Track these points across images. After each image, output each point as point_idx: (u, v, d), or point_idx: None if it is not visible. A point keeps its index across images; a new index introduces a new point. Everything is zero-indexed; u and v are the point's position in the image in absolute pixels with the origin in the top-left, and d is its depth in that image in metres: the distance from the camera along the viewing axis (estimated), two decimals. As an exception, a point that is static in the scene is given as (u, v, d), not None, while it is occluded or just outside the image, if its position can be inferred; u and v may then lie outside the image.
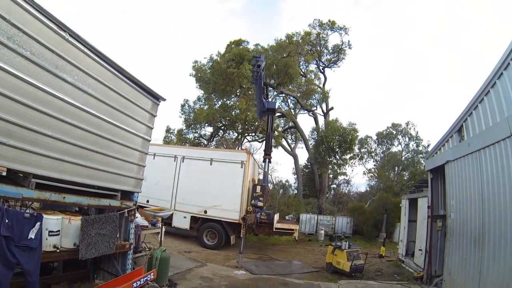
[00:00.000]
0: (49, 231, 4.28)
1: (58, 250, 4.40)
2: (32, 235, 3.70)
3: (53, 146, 4.28)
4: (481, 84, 6.59)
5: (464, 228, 6.91)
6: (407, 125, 37.75)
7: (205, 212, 13.22)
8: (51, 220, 4.33)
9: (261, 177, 15.31)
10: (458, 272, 6.94)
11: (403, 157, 36.56)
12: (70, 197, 4.61)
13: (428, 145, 33.55)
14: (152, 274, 5.91)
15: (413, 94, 66.77)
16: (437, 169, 9.06)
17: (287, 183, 39.09)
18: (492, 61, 5.90)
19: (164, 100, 6.50)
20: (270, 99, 20.70)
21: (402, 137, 37.87)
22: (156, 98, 6.35)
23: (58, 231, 4.44)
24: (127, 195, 5.93)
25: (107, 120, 5.20)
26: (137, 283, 5.36)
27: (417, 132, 37.38)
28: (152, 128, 6.35)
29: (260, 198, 13.21)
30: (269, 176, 25.05)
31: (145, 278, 5.64)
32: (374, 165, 37.99)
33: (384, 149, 38.38)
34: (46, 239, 4.22)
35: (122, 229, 5.88)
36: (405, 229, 12.58)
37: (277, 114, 24.22)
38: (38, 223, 3.82)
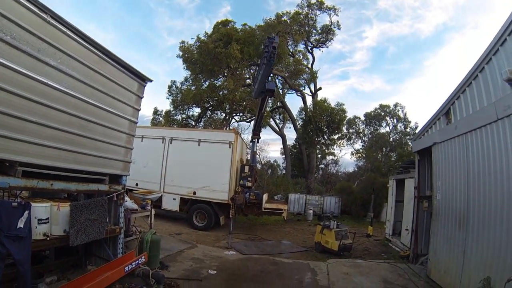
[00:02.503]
0: (38, 219, 4.21)
1: (48, 238, 4.36)
2: (21, 224, 3.64)
3: (38, 132, 4.17)
4: (470, 67, 6.60)
5: (450, 209, 7.06)
6: (395, 107, 38.27)
7: (194, 193, 13.27)
8: (40, 208, 4.26)
9: (249, 157, 15.32)
10: (443, 251, 7.12)
11: (391, 138, 37.07)
12: (58, 183, 4.53)
13: (416, 127, 34.24)
14: (143, 257, 5.95)
15: (403, 77, 67.14)
16: (424, 150, 9.15)
17: (275, 163, 39.43)
18: (483, 44, 5.87)
19: (151, 81, 6.36)
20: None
21: (390, 118, 38.30)
22: (142, 79, 6.20)
23: (47, 218, 4.38)
24: (116, 178, 5.86)
25: (92, 103, 5.06)
26: (128, 267, 5.41)
27: (405, 114, 37.99)
28: (138, 110, 6.23)
29: (249, 178, 13.32)
30: (257, 156, 25.21)
31: (136, 261, 5.68)
32: (362, 145, 38.50)
33: (372, 130, 38.79)
34: (36, 227, 4.17)
35: (111, 213, 5.85)
36: (392, 209, 12.82)
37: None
38: (27, 212, 3.75)
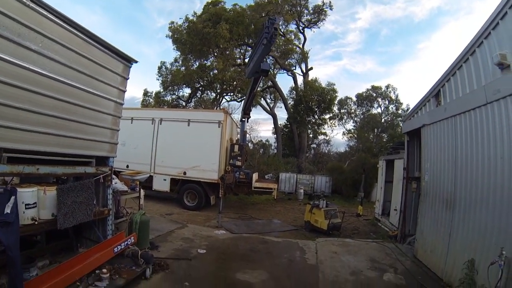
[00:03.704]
0: (26, 204, 4.19)
1: (36, 222, 4.34)
2: (7, 209, 3.61)
3: (22, 118, 4.09)
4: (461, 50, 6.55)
5: (437, 191, 7.15)
6: (387, 88, 38.31)
7: (184, 173, 13.29)
8: (26, 193, 4.22)
9: (239, 136, 15.31)
10: (430, 232, 7.25)
11: (383, 120, 37.26)
12: (44, 168, 4.49)
13: (408, 109, 34.35)
14: (132, 238, 5.98)
15: (395, 59, 66.88)
16: (414, 132, 9.19)
17: (267, 143, 39.51)
18: (476, 30, 5.78)
19: (136, 62, 6.22)
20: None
21: (382, 99, 38.41)
22: (127, 60, 6.06)
23: (35, 203, 4.35)
24: (103, 160, 5.80)
25: (76, 86, 4.95)
26: (117, 248, 5.44)
27: (397, 96, 38.23)
28: (124, 91, 6.12)
29: (239, 158, 13.38)
30: (248, 135, 25.19)
31: (125, 242, 5.71)
32: (354, 126, 38.68)
33: (364, 110, 38.91)
34: (24, 212, 4.15)
35: (100, 195, 5.83)
36: (382, 190, 12.97)
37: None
38: (13, 197, 3.71)
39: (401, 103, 37.65)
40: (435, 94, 7.90)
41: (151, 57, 68.80)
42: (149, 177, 13.04)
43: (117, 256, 5.48)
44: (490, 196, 5.05)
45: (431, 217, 7.33)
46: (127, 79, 6.18)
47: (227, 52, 24.88)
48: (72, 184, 4.94)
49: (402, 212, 9.57)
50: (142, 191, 8.16)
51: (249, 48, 26.17)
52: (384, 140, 33.37)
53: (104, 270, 4.75)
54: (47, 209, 4.54)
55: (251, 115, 15.33)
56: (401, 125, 31.63)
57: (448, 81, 7.13)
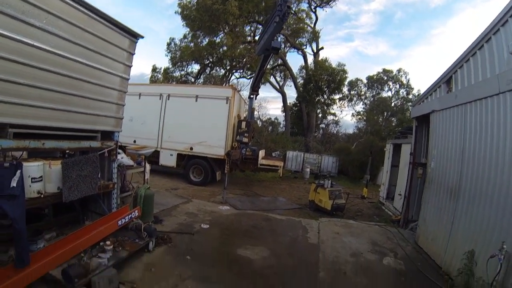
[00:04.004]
0: (32, 178, 4.26)
1: (42, 196, 4.42)
2: (13, 183, 3.69)
3: (28, 94, 4.11)
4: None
5: (442, 179, 7.05)
6: (398, 72, 37.55)
7: (191, 149, 13.38)
8: (32, 167, 4.29)
9: (247, 113, 15.27)
10: (432, 220, 7.23)
11: (393, 104, 36.74)
12: (49, 142, 4.54)
13: (418, 94, 33.73)
14: (137, 211, 6.10)
15: (408, 43, 65.09)
16: (423, 117, 9.01)
17: (276, 120, 39.43)
18: (490, 14, 5.54)
19: (142, 37, 6.13)
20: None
21: (393, 83, 37.72)
22: (133, 36, 5.97)
23: (41, 177, 4.42)
24: (108, 135, 5.84)
25: (81, 61, 4.91)
26: (121, 221, 5.56)
27: (408, 80, 37.45)
28: (130, 67, 6.06)
29: (246, 134, 13.38)
30: (256, 112, 25.08)
31: (130, 216, 5.83)
32: (363, 108, 38.23)
33: (374, 93, 38.34)
34: (30, 186, 4.22)
35: (105, 169, 5.89)
36: (388, 173, 12.89)
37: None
38: (18, 171, 3.77)
39: (412, 88, 36.99)
40: (447, 80, 7.68)
41: (160, 34, 68.15)
42: (156, 152, 13.24)
43: (121, 229, 5.62)
44: (496, 191, 4.94)
45: (434, 205, 7.27)
46: (133, 54, 6.12)
47: (237, 29, 24.44)
48: (77, 158, 5.01)
49: (406, 197, 9.53)
50: (148, 165, 8.24)
51: (259, 26, 25.75)
52: (393, 124, 32.99)
53: (108, 242, 4.87)
54: (53, 182, 4.61)
55: (260, 92, 15.20)
56: (410, 110, 31.26)
57: (461, 68, 6.89)
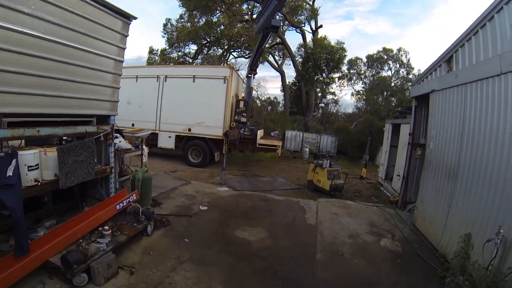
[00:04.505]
0: (28, 166, 4.20)
1: (39, 183, 4.38)
2: (10, 172, 3.65)
3: (19, 82, 4.00)
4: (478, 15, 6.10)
5: (441, 160, 7.00)
6: (399, 51, 37.06)
7: (189, 130, 13.36)
8: (28, 156, 4.23)
9: (245, 93, 15.13)
10: (430, 202, 7.21)
11: (393, 83, 36.37)
12: (44, 129, 4.46)
13: (418, 74, 33.21)
14: (134, 195, 6.11)
15: (409, 22, 63.76)
16: (422, 97, 8.87)
17: (275, 100, 39.15)
18: None
19: (135, 18, 5.93)
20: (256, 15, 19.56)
21: (393, 63, 37.24)
22: (126, 17, 5.77)
23: (37, 165, 4.37)
24: (104, 119, 5.75)
25: (73, 46, 4.76)
26: (119, 205, 5.57)
27: (408, 60, 37.04)
28: (124, 49, 5.89)
29: (244, 114, 13.37)
30: (255, 92, 24.83)
31: (128, 199, 5.84)
32: (363, 87, 37.90)
33: (374, 72, 37.91)
34: (26, 174, 4.17)
35: (102, 154, 5.85)
36: (386, 154, 12.81)
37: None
38: (14, 160, 3.73)
39: (412, 68, 36.73)
40: (447, 59, 7.50)
41: (156, 16, 66.55)
42: (154, 135, 13.22)
43: (120, 213, 5.64)
44: (494, 173, 4.89)
45: (432, 187, 7.23)
46: (127, 36, 5.94)
47: (234, 7, 23.94)
48: (72, 143, 4.95)
49: (404, 178, 9.48)
50: (145, 148, 8.21)
51: (257, 4, 25.18)
52: (393, 104, 32.80)
53: (106, 227, 4.89)
54: (50, 169, 4.57)
55: (258, 72, 15.04)
56: (410, 89, 30.88)
57: (462, 47, 6.71)
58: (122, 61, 5.91)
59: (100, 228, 4.97)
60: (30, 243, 3.88)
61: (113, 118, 5.94)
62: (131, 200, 5.92)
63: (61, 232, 4.37)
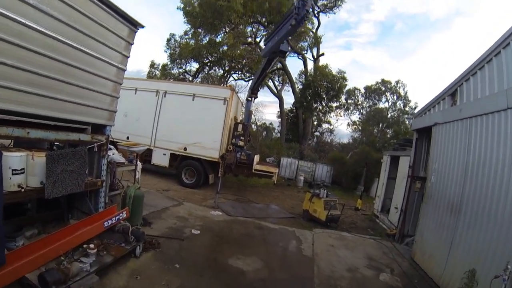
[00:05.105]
0: (12, 170, 3.86)
1: (23, 190, 4.03)
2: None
3: (13, 76, 3.74)
4: (480, 53, 6.15)
5: (443, 194, 6.86)
6: (396, 84, 37.59)
7: (185, 149, 13.04)
8: (14, 158, 3.89)
9: (244, 116, 14.96)
10: (430, 235, 7.02)
11: (389, 115, 36.75)
12: (35, 132, 4.16)
13: (416, 107, 34.09)
14: (125, 212, 5.74)
15: (407, 55, 65.67)
16: (424, 129, 8.86)
17: (271, 126, 39.21)
18: (498, 28, 5.51)
19: (143, 27, 5.79)
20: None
21: (390, 94, 37.77)
22: (133, 24, 5.63)
23: (23, 169, 4.03)
24: (99, 128, 5.48)
25: (76, 46, 4.57)
26: (108, 223, 5.20)
27: (406, 92, 37.40)
28: (128, 57, 5.72)
29: (241, 138, 13.13)
30: (253, 116, 24.82)
31: (117, 217, 5.47)
32: (359, 118, 38.21)
33: (371, 104, 38.36)
34: (10, 178, 3.83)
35: (94, 165, 5.54)
36: (384, 186, 12.67)
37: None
38: (-3, 160, 3.40)
39: (409, 100, 36.97)
40: (452, 93, 7.54)
41: (161, 29, 67.50)
42: (149, 150, 12.92)
43: (108, 231, 5.25)
44: (500, 208, 4.77)
45: (433, 220, 7.07)
46: (132, 44, 5.79)
47: (239, 28, 24.30)
48: (63, 151, 4.63)
49: (403, 211, 9.33)
50: (139, 164, 7.90)
51: (262, 28, 25.56)
52: (388, 136, 33.02)
53: (92, 246, 4.50)
54: (36, 176, 4.23)
55: (258, 95, 14.95)
56: (407, 122, 31.69)
57: (467, 81, 6.75)
58: (124, 70, 5.73)
59: (85, 246, 4.57)
60: (6, 254, 3.50)
61: (109, 128, 5.67)
62: (120, 217, 5.55)
63: (41, 246, 3.96)
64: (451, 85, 7.52)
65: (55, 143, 5.47)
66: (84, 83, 4.90)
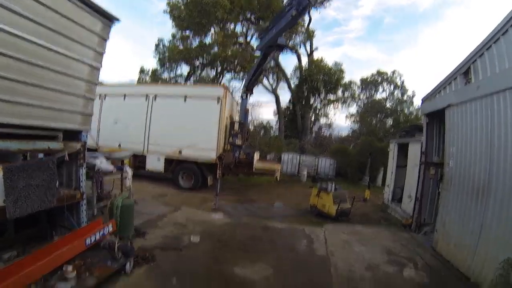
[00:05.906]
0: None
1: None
2: None
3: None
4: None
5: (465, 178, 6.30)
6: (393, 74, 37.16)
7: (180, 152, 12.46)
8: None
9: (239, 115, 14.34)
10: (454, 224, 6.46)
11: (387, 105, 36.30)
12: (-8, 142, 3.49)
13: (413, 96, 34.27)
14: (110, 226, 5.05)
15: (402, 44, 64.89)
16: (435, 113, 8.27)
17: (268, 124, 38.58)
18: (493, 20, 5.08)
19: (118, 20, 5.14)
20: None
21: (387, 84, 37.33)
22: (107, 18, 4.98)
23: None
24: (74, 135, 4.82)
25: (38, 43, 3.93)
26: (90, 239, 4.50)
27: (402, 82, 36.98)
28: (102, 54, 5.07)
29: (239, 136, 12.52)
30: (250, 117, 24.23)
31: (102, 232, 4.78)
32: (357, 110, 37.81)
33: (368, 95, 37.91)
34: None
35: (72, 176, 4.87)
36: (393, 175, 12.14)
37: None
38: None
39: (407, 89, 36.65)
40: (464, 71, 6.96)
41: (151, 39, 66.87)
42: (142, 156, 12.32)
43: (93, 248, 4.57)
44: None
45: (456, 208, 6.50)
46: (106, 40, 5.14)
47: (227, 25, 23.75)
48: (24, 163, 3.93)
49: (418, 199, 8.78)
50: (129, 171, 7.23)
51: (252, 26, 25.07)
52: (388, 125, 32.64)
53: (70, 268, 3.83)
54: (-2, 193, 3.56)
55: (253, 91, 14.34)
56: (405, 111, 31.14)
57: (481, 56, 6.23)
58: (99, 68, 5.05)
59: (64, 268, 3.89)
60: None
61: (85, 134, 4.99)
62: (106, 232, 4.86)
63: (9, 273, 3.26)
64: (463, 63, 7.03)
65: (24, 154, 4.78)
66: (52, 84, 4.25)
